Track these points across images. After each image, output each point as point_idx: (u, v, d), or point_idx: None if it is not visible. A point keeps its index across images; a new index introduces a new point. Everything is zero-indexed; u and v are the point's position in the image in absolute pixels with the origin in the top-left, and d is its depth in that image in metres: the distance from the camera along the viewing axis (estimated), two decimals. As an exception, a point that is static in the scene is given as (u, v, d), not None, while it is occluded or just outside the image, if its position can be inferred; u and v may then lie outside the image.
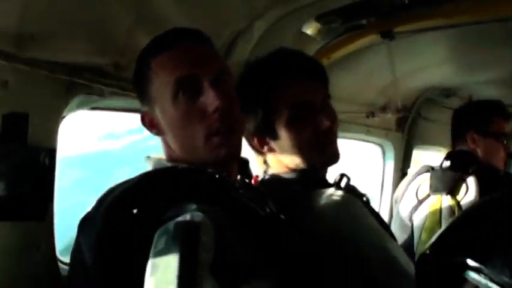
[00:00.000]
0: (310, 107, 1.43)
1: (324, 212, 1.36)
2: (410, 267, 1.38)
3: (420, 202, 2.23)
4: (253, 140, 1.51)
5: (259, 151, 1.53)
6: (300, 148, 1.44)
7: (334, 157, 1.49)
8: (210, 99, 1.13)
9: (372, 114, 2.80)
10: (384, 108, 2.88)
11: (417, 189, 2.30)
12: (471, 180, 2.15)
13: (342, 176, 1.52)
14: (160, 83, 1.16)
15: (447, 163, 2.28)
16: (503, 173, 2.41)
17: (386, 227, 1.53)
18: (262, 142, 1.49)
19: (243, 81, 1.51)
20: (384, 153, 3.28)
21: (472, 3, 1.77)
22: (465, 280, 1.38)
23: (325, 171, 1.54)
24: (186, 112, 1.15)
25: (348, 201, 1.41)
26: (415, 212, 2.23)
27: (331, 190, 1.42)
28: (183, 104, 1.14)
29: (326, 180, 1.53)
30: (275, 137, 1.46)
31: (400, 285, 1.33)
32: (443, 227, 2.02)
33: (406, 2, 1.76)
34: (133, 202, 1.02)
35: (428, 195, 2.22)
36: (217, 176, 1.12)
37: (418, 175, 2.38)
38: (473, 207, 1.72)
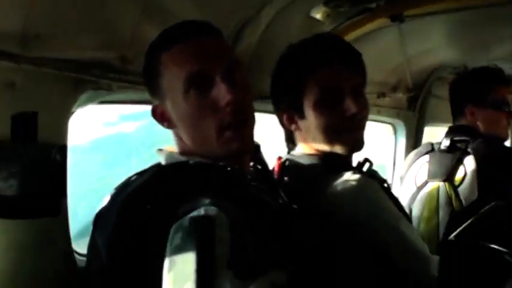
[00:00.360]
0: (340, 93, 1.43)
1: (342, 197, 1.36)
2: (427, 251, 1.38)
3: (419, 189, 2.16)
4: (283, 117, 1.53)
5: (287, 128, 1.55)
6: (324, 131, 1.44)
7: (357, 144, 1.48)
8: (221, 93, 1.11)
9: (382, 94, 2.76)
10: (394, 88, 2.84)
11: (416, 175, 2.22)
12: (469, 162, 2.05)
13: (365, 160, 1.52)
14: (171, 77, 1.14)
15: (446, 142, 2.17)
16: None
17: (404, 211, 1.52)
18: (291, 120, 1.51)
19: (281, 59, 1.52)
20: (395, 132, 3.24)
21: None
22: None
23: (350, 156, 1.53)
24: (197, 106, 1.13)
25: (365, 185, 1.39)
26: (413, 201, 2.15)
27: (348, 174, 1.40)
28: (194, 99, 1.12)
29: (349, 165, 1.52)
30: (302, 116, 1.47)
31: (418, 268, 1.35)
32: (442, 216, 2.01)
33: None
34: (147, 198, 1.02)
35: (426, 182, 2.14)
36: (228, 169, 1.11)
37: (419, 156, 2.29)
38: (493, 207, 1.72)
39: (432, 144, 2.27)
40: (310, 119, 1.45)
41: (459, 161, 2.07)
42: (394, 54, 2.50)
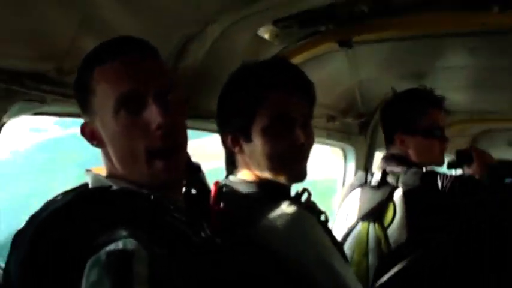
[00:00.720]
0: (290, 121, 1.46)
1: (277, 229, 1.36)
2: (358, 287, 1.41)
3: (349, 230, 2.09)
4: (227, 138, 1.53)
5: (230, 150, 1.55)
6: (270, 158, 1.46)
7: (300, 175, 1.51)
8: (153, 116, 1.12)
9: (332, 118, 2.81)
10: (345, 112, 2.90)
11: (347, 212, 2.16)
12: (398, 199, 2.00)
13: (304, 190, 1.55)
14: (103, 95, 1.14)
15: (378, 175, 2.12)
16: (454, 177, 2.10)
17: (339, 246, 1.55)
18: (236, 142, 1.51)
19: (231, 80, 1.53)
20: (345, 157, 3.31)
21: (431, 15, 1.79)
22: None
23: (290, 186, 1.55)
24: (127, 127, 1.13)
25: (301, 218, 1.41)
26: (344, 242, 2.07)
27: (284, 205, 1.41)
28: (125, 119, 1.12)
29: (288, 195, 1.54)
30: (249, 140, 1.48)
31: None
32: (371, 259, 1.97)
33: (366, 10, 1.77)
34: (63, 225, 1.00)
35: (357, 222, 2.08)
36: (152, 198, 1.10)
37: (352, 189, 2.22)
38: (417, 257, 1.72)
39: (366, 175, 2.23)
40: (257, 144, 1.46)
41: (389, 198, 2.02)
42: (344, 78, 2.56)
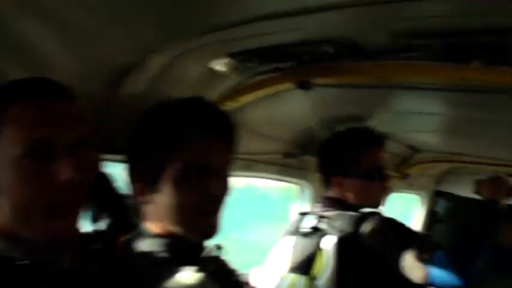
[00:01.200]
0: (206, 170, 1.33)
1: None
2: None
3: (280, 281, 1.97)
4: (134, 186, 1.39)
5: (136, 200, 1.39)
6: (179, 209, 1.32)
7: (211, 231, 1.37)
8: (62, 168, 1.01)
9: (289, 155, 2.69)
10: (303, 149, 2.77)
11: (280, 260, 2.03)
12: (328, 247, 1.87)
13: (216, 247, 1.42)
14: (9, 138, 1.01)
15: (310, 221, 2.00)
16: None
17: None
18: (141, 191, 1.36)
19: (143, 121, 1.40)
20: (299, 194, 3.17)
21: (404, 64, 1.65)
22: None
23: (200, 241, 1.42)
24: (30, 176, 1.01)
25: None
26: None
27: (187, 273, 1.24)
28: (30, 167, 1.01)
29: (197, 252, 1.39)
30: (156, 189, 1.33)
31: None
32: None
33: (331, 51, 1.61)
34: None
35: (287, 273, 1.96)
36: (18, 263, 0.99)
37: (287, 234, 2.09)
38: None
39: (302, 220, 2.08)
40: (165, 194, 1.32)
41: (319, 247, 1.89)
42: (304, 116, 2.38)
